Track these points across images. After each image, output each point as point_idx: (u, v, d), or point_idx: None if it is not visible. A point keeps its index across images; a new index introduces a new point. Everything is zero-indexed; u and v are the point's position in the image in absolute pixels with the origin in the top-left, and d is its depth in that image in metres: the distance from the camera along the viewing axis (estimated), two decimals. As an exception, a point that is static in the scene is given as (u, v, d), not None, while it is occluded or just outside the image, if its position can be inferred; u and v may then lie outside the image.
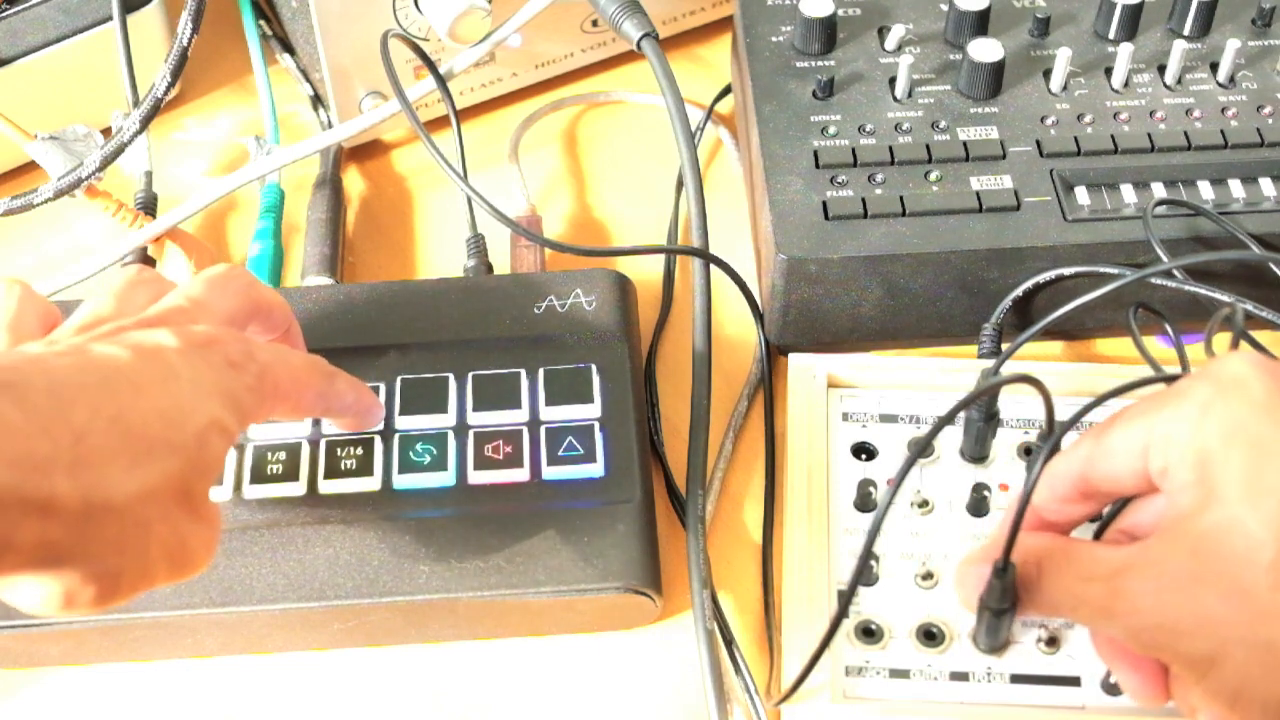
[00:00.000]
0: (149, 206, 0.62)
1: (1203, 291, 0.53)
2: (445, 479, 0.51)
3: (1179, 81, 0.58)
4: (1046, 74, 0.59)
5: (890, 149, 0.56)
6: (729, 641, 0.50)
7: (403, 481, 0.51)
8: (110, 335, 0.40)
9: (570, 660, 0.51)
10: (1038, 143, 0.56)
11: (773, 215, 0.54)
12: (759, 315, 0.58)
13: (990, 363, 0.54)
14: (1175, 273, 0.53)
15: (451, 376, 0.53)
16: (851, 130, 0.57)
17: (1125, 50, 0.58)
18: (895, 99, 0.58)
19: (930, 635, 0.49)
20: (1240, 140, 0.56)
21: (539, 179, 0.67)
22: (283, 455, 0.51)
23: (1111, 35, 0.60)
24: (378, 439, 0.51)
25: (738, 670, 0.49)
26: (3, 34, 0.62)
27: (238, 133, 0.69)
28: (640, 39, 0.59)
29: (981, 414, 0.52)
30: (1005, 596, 0.42)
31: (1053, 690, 0.48)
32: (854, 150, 0.56)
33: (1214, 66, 0.59)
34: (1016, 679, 0.48)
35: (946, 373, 0.55)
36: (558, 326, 0.55)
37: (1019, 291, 0.55)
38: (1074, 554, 0.40)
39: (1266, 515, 0.36)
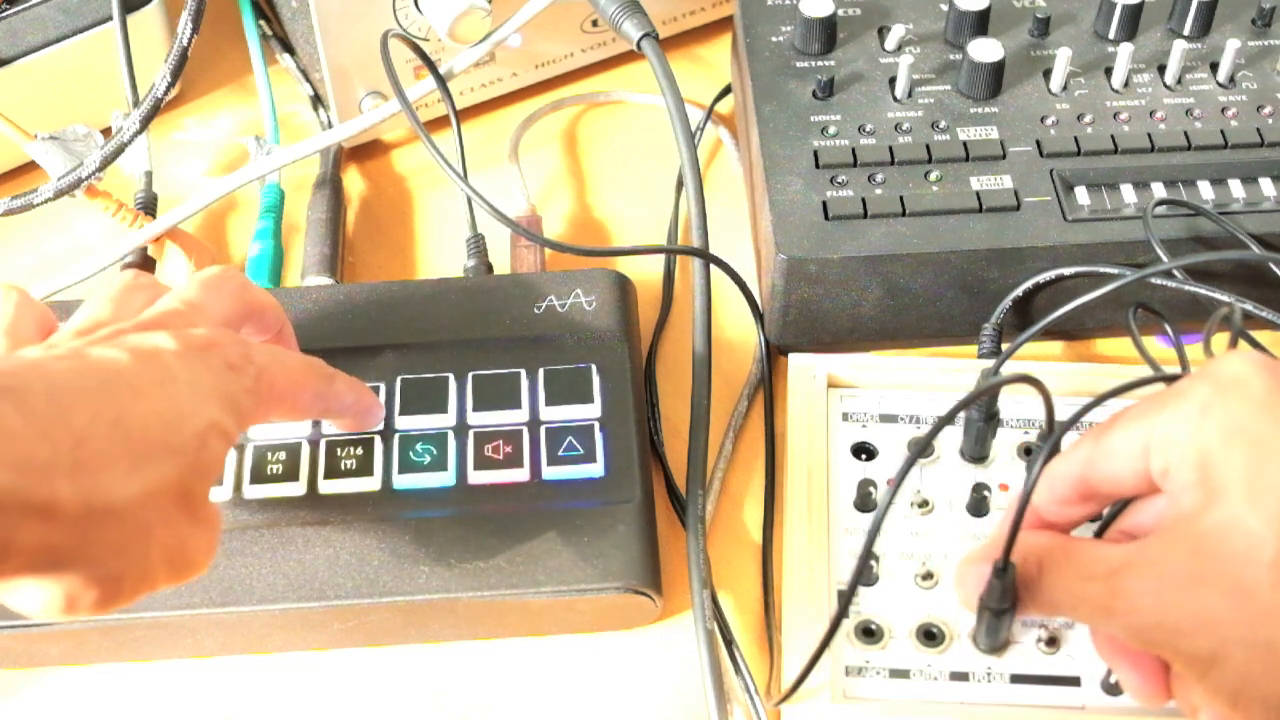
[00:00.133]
0: (149, 206, 0.62)
1: (1202, 291, 0.53)
2: (445, 479, 0.51)
3: (1179, 81, 0.58)
4: (1046, 74, 0.59)
5: (890, 149, 0.56)
6: (729, 641, 0.50)
7: (403, 481, 0.51)
8: (108, 339, 0.40)
9: (570, 660, 0.51)
10: (1038, 143, 0.56)
11: (773, 215, 0.54)
12: (759, 315, 0.58)
13: (990, 363, 0.54)
14: (1175, 273, 0.53)
15: (451, 376, 0.53)
16: (851, 130, 0.57)
17: (1125, 50, 0.58)
18: (895, 99, 0.58)
19: (930, 635, 0.49)
20: (1240, 140, 0.56)
21: (539, 179, 0.67)
22: (283, 455, 0.51)
23: (1111, 35, 0.60)
24: (378, 439, 0.51)
25: (738, 670, 0.49)
26: (3, 34, 0.62)
27: (238, 133, 0.69)
28: (640, 39, 0.59)
29: (981, 414, 0.52)
30: (1005, 596, 0.42)
31: (1053, 690, 0.48)
32: (854, 150, 0.56)
33: (1214, 66, 0.59)
34: (1016, 679, 0.48)
35: (946, 373, 0.55)
36: (558, 326, 0.55)
37: (1019, 291, 0.55)
38: (1074, 552, 0.40)
39: (1267, 514, 0.36)
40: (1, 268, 0.64)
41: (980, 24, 0.59)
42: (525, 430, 0.52)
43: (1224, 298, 0.52)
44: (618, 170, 0.67)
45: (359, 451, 0.51)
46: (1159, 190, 0.55)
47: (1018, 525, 0.40)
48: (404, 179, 0.67)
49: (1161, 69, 0.59)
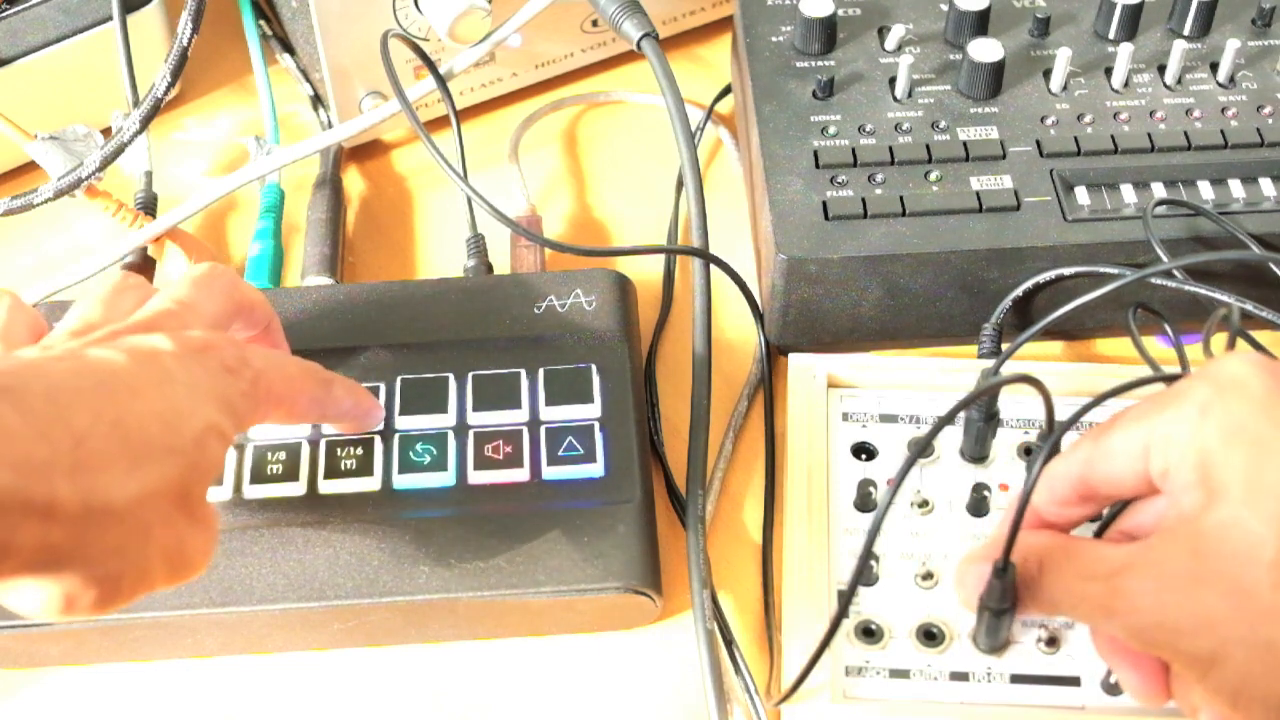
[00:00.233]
0: (149, 206, 0.62)
1: (1202, 291, 0.53)
2: (445, 479, 0.51)
3: (1179, 81, 0.58)
4: (1046, 74, 0.59)
5: (890, 149, 0.56)
6: (729, 641, 0.50)
7: (403, 481, 0.51)
8: (105, 340, 0.40)
9: (570, 660, 0.51)
10: (1038, 143, 0.56)
11: (773, 215, 0.54)
12: (759, 315, 0.58)
13: (990, 363, 0.54)
14: (1175, 273, 0.53)
15: (451, 376, 0.53)
16: (851, 130, 0.57)
17: (1125, 50, 0.58)
18: (895, 99, 0.58)
19: (930, 635, 0.49)
20: (1240, 140, 0.56)
21: (539, 179, 0.67)
22: (283, 455, 0.51)
23: (1111, 35, 0.60)
24: (378, 439, 0.51)
25: (738, 670, 0.49)
26: (3, 34, 0.62)
27: (238, 133, 0.69)
28: (640, 39, 0.59)
29: (981, 414, 0.52)
30: (1005, 596, 0.42)
31: (1053, 690, 0.48)
32: (854, 150, 0.56)
33: (1214, 66, 0.59)
34: (1016, 679, 0.48)
35: (946, 373, 0.55)
36: (558, 326, 0.55)
37: (1019, 291, 0.55)
38: (1075, 552, 0.40)
39: (1267, 514, 0.36)
40: (1, 268, 0.64)
41: (980, 24, 0.59)
42: (525, 430, 0.52)
43: (1224, 298, 0.52)
44: (618, 170, 0.67)
45: (359, 451, 0.51)
46: (1159, 190, 0.55)
47: (1017, 525, 0.40)
48: (404, 179, 0.67)
49: (1161, 69, 0.59)
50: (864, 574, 0.50)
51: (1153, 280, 0.53)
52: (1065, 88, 0.58)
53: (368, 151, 0.68)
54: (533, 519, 0.50)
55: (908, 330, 0.57)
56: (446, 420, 0.52)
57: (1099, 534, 0.44)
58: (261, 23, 0.70)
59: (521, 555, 0.49)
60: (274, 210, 0.63)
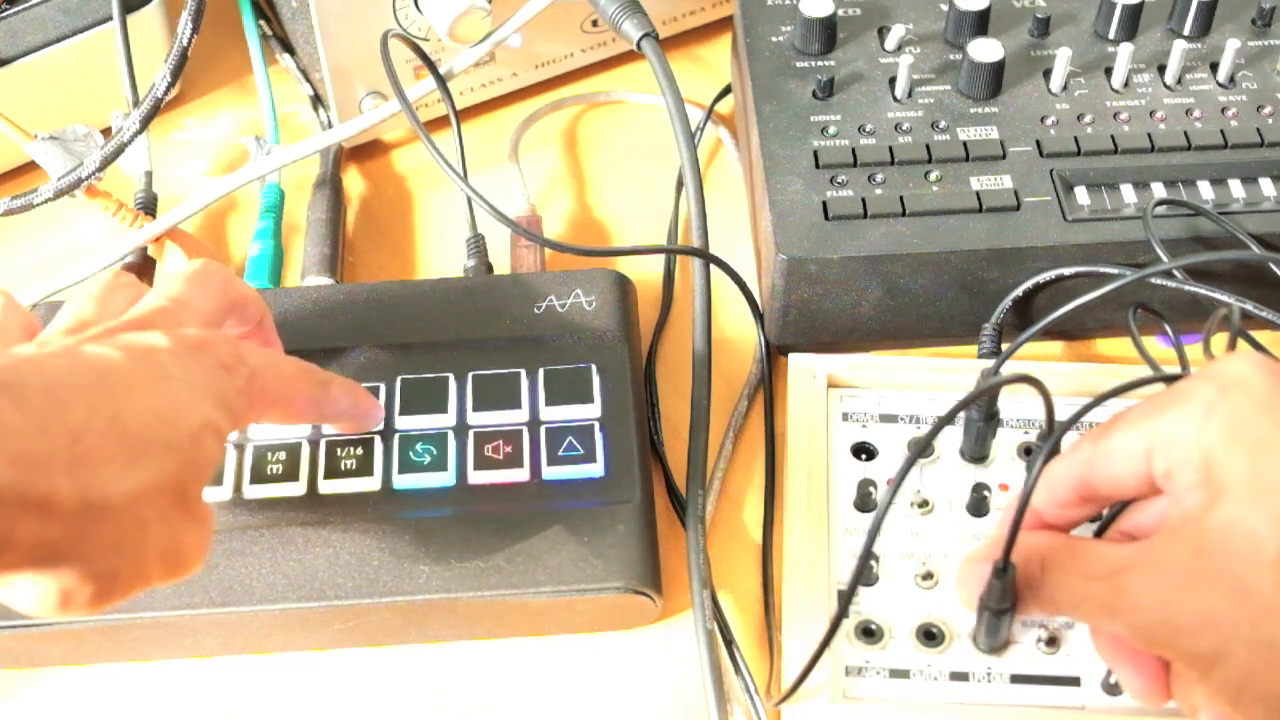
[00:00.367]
0: (149, 206, 0.62)
1: (1202, 291, 0.53)
2: (445, 479, 0.51)
3: (1179, 81, 0.58)
4: (1046, 74, 0.59)
5: (890, 149, 0.56)
6: (729, 641, 0.50)
7: (403, 481, 0.51)
8: (101, 337, 0.40)
9: (570, 660, 0.51)
10: (1038, 143, 0.56)
11: (773, 215, 0.54)
12: (759, 315, 0.58)
13: (990, 363, 0.54)
14: (1175, 273, 0.53)
15: (451, 376, 0.53)
16: (851, 130, 0.57)
17: (1125, 50, 0.58)
18: (895, 99, 0.58)
19: (930, 635, 0.49)
20: (1240, 140, 0.56)
21: (539, 179, 0.67)
22: (283, 455, 0.51)
23: (1111, 35, 0.60)
24: (377, 439, 0.51)
25: (738, 670, 0.49)
26: (3, 34, 0.62)
27: (238, 133, 0.69)
28: (640, 39, 0.59)
29: (981, 414, 0.52)
30: (1005, 597, 0.42)
31: (1053, 690, 0.48)
32: (854, 150, 0.56)
33: (1214, 66, 0.59)
34: (1016, 679, 0.48)
35: (946, 373, 0.55)
36: (558, 326, 0.55)
37: (1019, 291, 0.55)
38: (1078, 552, 0.40)
39: (1270, 513, 0.36)
40: (1, 268, 0.64)
41: (980, 24, 0.59)
42: (525, 430, 0.52)
43: (1224, 298, 0.52)
44: (618, 170, 0.67)
45: (359, 451, 0.51)
46: (1159, 190, 0.55)
47: (1017, 525, 0.40)
48: (404, 179, 0.67)
49: (1161, 69, 0.59)
50: (864, 574, 0.50)
51: (1153, 280, 0.53)
52: (1065, 88, 0.58)
53: (368, 151, 0.68)
54: (533, 519, 0.50)
55: (908, 330, 0.57)
56: (446, 420, 0.52)
57: (1099, 534, 0.44)
58: (261, 23, 0.70)
59: (521, 555, 0.49)
60: (274, 210, 0.63)
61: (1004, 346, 0.56)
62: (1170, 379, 0.42)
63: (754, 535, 0.54)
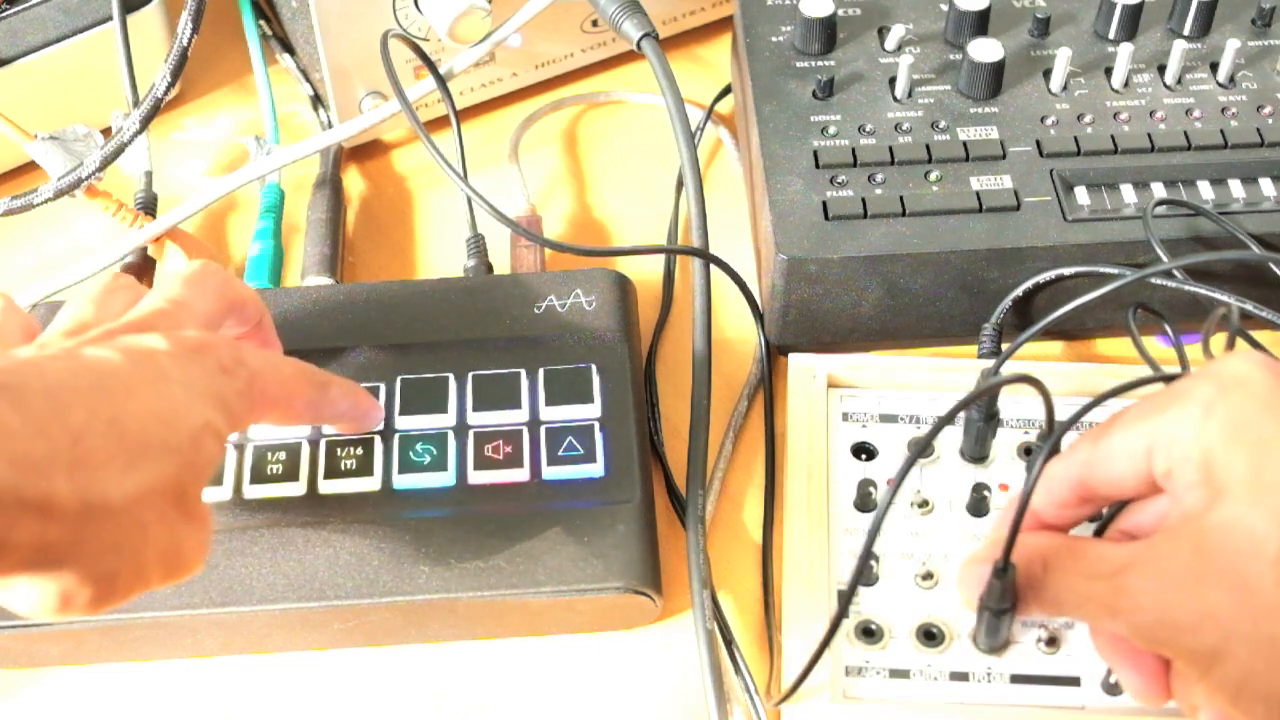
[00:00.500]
0: (149, 206, 0.62)
1: (1202, 291, 0.53)
2: (445, 479, 0.51)
3: (1179, 81, 0.58)
4: (1046, 74, 0.59)
5: (890, 149, 0.56)
6: (729, 641, 0.50)
7: (403, 481, 0.51)
8: (100, 339, 0.40)
9: (570, 660, 0.51)
10: (1038, 143, 0.56)
11: (773, 215, 0.54)
12: (759, 315, 0.58)
13: (990, 363, 0.54)
14: (1175, 273, 0.53)
15: (451, 376, 0.53)
16: (851, 130, 0.57)
17: (1125, 50, 0.58)
18: (895, 99, 0.58)
19: (930, 635, 0.49)
20: (1240, 140, 0.56)
21: (539, 179, 0.67)
22: (283, 455, 0.51)
23: (1111, 35, 0.60)
24: (377, 439, 0.51)
25: (738, 670, 0.49)
26: (3, 34, 0.62)
27: (238, 133, 0.69)
28: (640, 39, 0.59)
29: (981, 414, 0.52)
30: (1005, 597, 0.42)
31: (1053, 690, 0.48)
32: (854, 150, 0.56)
33: (1214, 66, 0.59)
34: (1016, 679, 0.48)
35: (946, 373, 0.55)
36: (558, 326, 0.55)
37: (1019, 291, 0.55)
38: (1079, 551, 0.40)
39: (1271, 511, 0.36)
40: (1, 268, 0.64)
41: (980, 24, 0.59)
42: (525, 430, 0.52)
43: (1224, 298, 0.52)
44: (618, 170, 0.67)
45: (359, 451, 0.51)
46: (1159, 190, 0.55)
47: (1017, 526, 0.40)
48: (404, 179, 0.67)
49: (1161, 69, 0.59)
50: (864, 574, 0.50)
51: (1153, 280, 0.53)
52: (1065, 88, 0.58)
53: (368, 151, 0.68)
54: (533, 519, 0.50)
55: (908, 330, 0.57)
56: (446, 420, 0.52)
57: (1099, 534, 0.44)
58: (261, 23, 0.70)
59: (521, 555, 0.49)
60: (274, 210, 0.63)
61: (1004, 346, 0.56)
62: (1170, 379, 0.42)
63: (754, 535, 0.54)
